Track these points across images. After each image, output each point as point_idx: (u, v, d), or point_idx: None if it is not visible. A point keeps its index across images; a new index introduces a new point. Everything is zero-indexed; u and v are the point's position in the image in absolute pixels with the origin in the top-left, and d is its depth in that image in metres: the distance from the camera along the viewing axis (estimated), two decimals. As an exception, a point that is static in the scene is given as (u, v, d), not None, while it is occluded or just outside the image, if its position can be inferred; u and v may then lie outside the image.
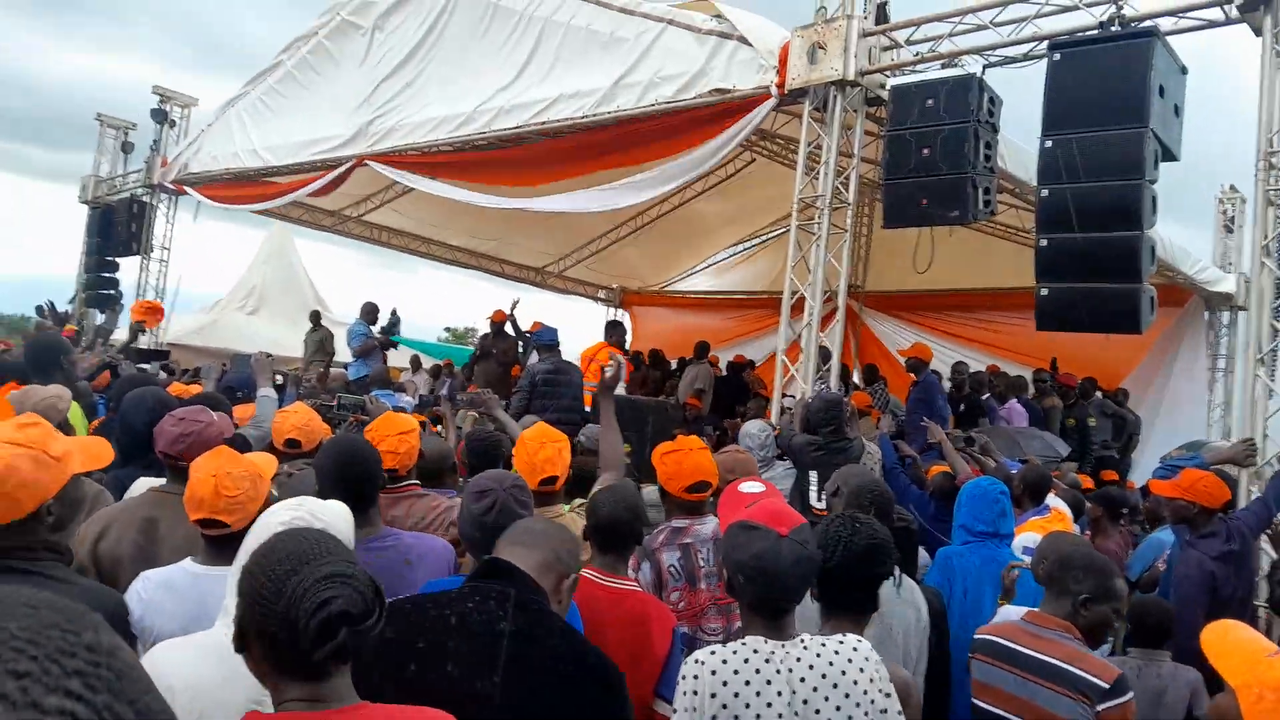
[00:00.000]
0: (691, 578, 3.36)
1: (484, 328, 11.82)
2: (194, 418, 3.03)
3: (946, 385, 10.00)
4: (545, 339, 7.65)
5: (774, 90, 6.92)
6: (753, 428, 5.99)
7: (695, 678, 2.04)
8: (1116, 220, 5.43)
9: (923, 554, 4.65)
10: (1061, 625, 2.77)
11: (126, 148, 14.74)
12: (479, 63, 9.36)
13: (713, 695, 2.00)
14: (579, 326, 8.74)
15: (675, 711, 2.07)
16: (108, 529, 2.81)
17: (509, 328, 11.11)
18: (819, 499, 5.67)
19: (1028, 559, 3.80)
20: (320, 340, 12.96)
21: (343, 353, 13.65)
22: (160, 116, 13.60)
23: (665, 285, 18.25)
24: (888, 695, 2.13)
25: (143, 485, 3.26)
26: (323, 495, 2.68)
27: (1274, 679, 1.56)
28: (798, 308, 7.11)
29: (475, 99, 9.19)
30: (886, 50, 6.76)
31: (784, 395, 7.23)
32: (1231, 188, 11.87)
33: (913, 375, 9.24)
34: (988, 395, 10.14)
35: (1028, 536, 4.39)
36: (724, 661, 2.04)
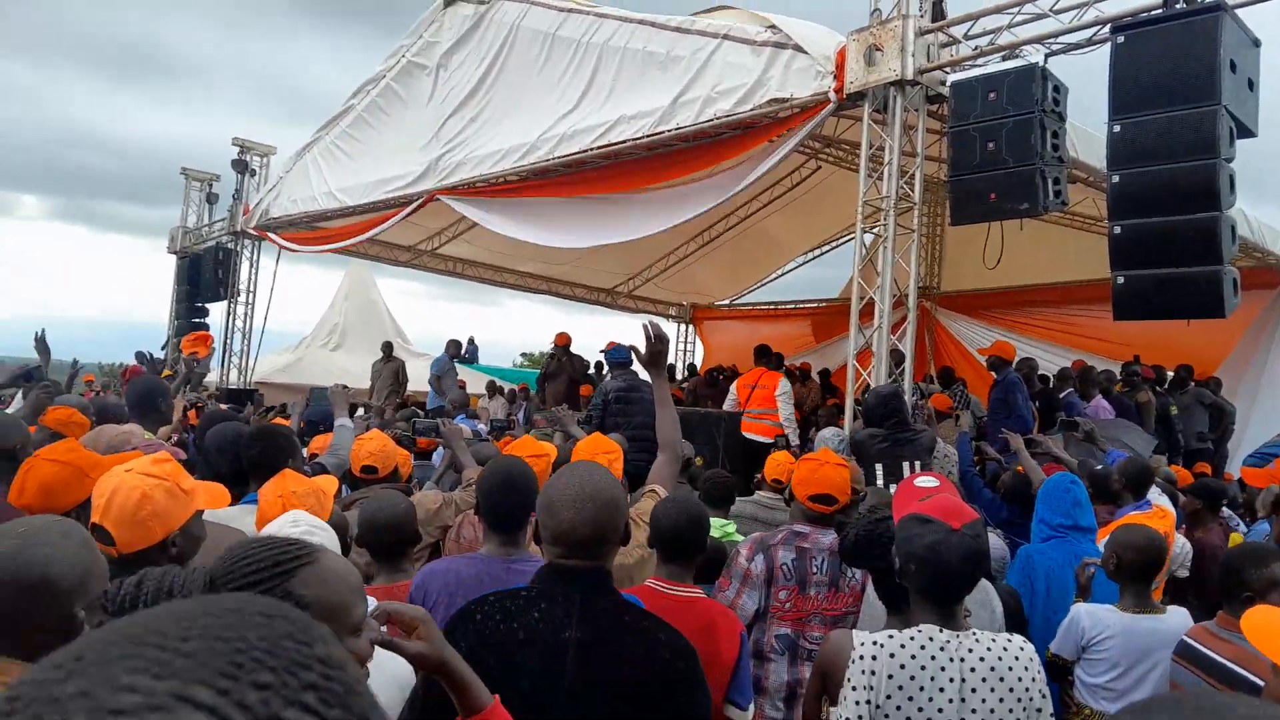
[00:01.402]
0: (803, 581, 3.43)
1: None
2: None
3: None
4: (618, 356, 7.70)
5: (833, 95, 6.91)
6: (827, 434, 5.98)
7: (874, 658, 2.15)
8: (1193, 202, 5.28)
9: (1001, 546, 4.54)
10: (1238, 626, 2.82)
11: (211, 198, 15.39)
12: (540, 93, 9.56)
13: (890, 676, 2.12)
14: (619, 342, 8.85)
15: (852, 689, 2.16)
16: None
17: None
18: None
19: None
20: (395, 371, 13.29)
21: (418, 383, 14.03)
22: (241, 166, 14.17)
23: (735, 299, 18.26)
24: (1044, 696, 2.23)
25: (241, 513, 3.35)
26: (483, 514, 2.78)
27: None
28: (867, 312, 7.07)
29: (538, 128, 9.38)
30: (945, 47, 6.70)
31: (857, 401, 7.18)
32: (1320, 161, 11.39)
33: (993, 374, 9.07)
34: (1069, 391, 9.85)
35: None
36: (902, 646, 2.16)
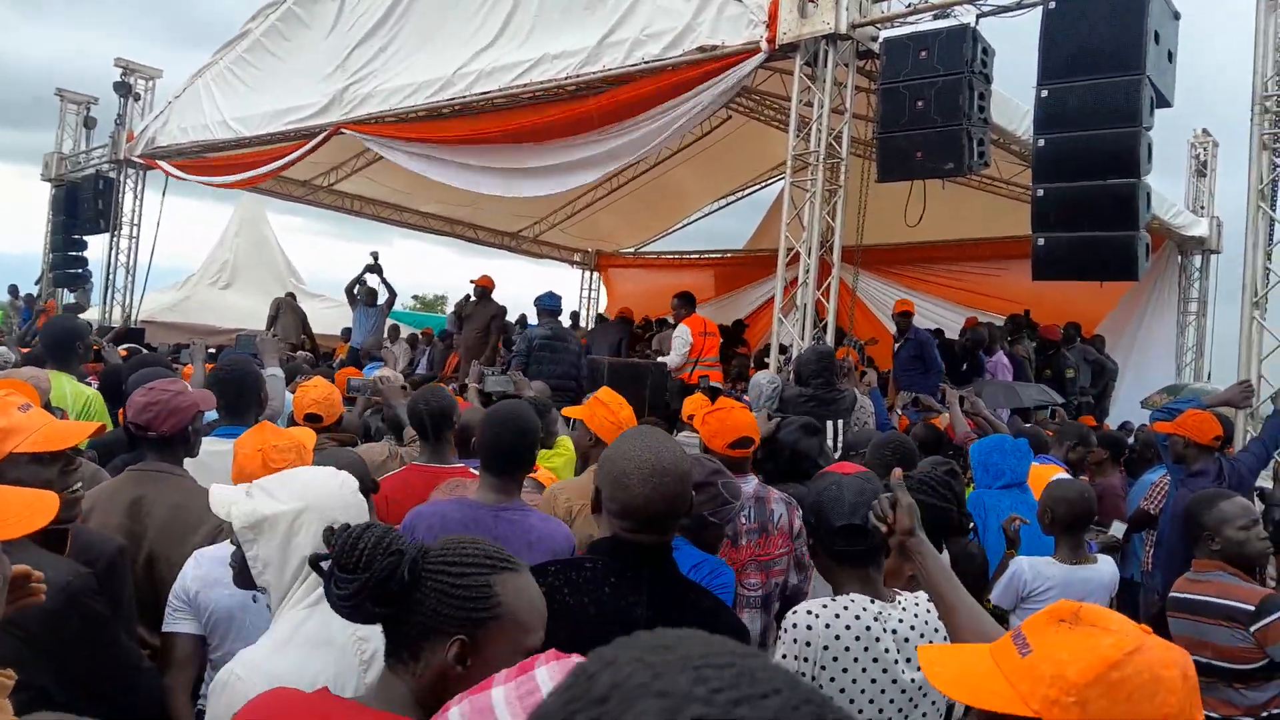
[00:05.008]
0: (734, 535, 3.40)
1: (453, 294, 11.86)
2: (164, 387, 2.94)
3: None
4: (546, 304, 7.65)
5: (764, 45, 6.87)
6: (762, 378, 6.05)
7: (809, 628, 2.08)
8: (1114, 168, 5.48)
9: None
10: (1215, 565, 3.11)
11: (89, 123, 14.40)
12: (455, 26, 9.21)
13: (825, 648, 2.06)
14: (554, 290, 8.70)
15: (782, 658, 2.10)
16: (90, 514, 2.68)
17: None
18: None
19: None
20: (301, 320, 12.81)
21: (317, 325, 13.58)
22: (124, 89, 13.25)
23: (640, 247, 18.23)
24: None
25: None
26: (482, 454, 2.73)
27: (1072, 679, 1.15)
28: (791, 264, 7.14)
29: (453, 63, 9.06)
30: (877, 2, 6.73)
31: (781, 350, 7.28)
32: (1204, 131, 11.99)
33: (900, 330, 9.33)
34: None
35: None
36: (836, 616, 2.09)
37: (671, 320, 9.73)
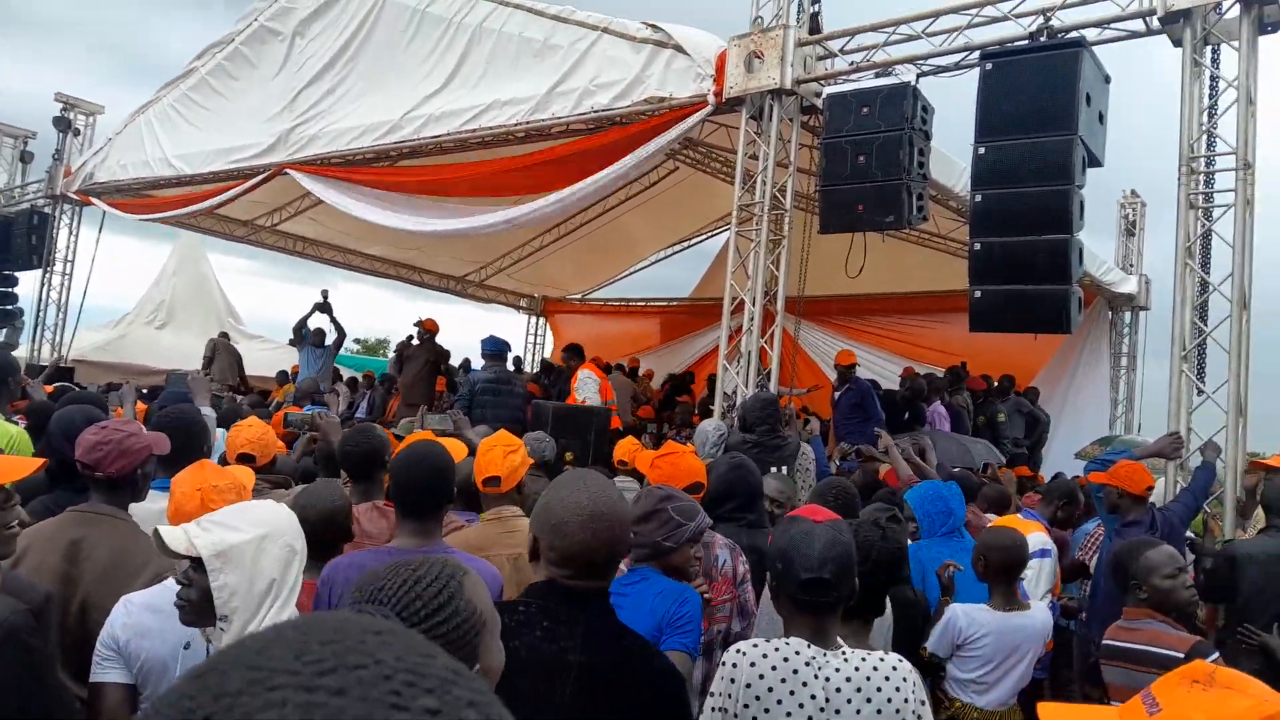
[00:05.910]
0: (709, 561, 3.38)
1: (395, 338, 11.71)
2: (117, 427, 2.83)
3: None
4: (489, 349, 7.62)
5: (711, 99, 7.01)
6: (709, 426, 6.07)
7: (734, 665, 2.08)
8: (1047, 225, 5.65)
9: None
10: (1144, 613, 3.12)
11: (25, 157, 14.14)
12: (405, 70, 9.25)
13: (748, 685, 2.04)
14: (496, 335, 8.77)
15: (710, 695, 2.11)
16: (25, 553, 2.57)
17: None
18: None
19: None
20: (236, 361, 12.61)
21: (253, 366, 13.34)
22: (63, 124, 13.05)
23: (587, 293, 18.28)
24: (919, 716, 2.15)
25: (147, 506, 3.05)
26: (396, 500, 2.68)
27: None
28: (735, 313, 7.21)
29: (402, 106, 9.08)
30: (821, 59, 6.91)
31: (725, 397, 7.32)
32: (1133, 192, 12.44)
33: (841, 380, 9.42)
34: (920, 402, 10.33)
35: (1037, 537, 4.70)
36: (764, 656, 2.07)
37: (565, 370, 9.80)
